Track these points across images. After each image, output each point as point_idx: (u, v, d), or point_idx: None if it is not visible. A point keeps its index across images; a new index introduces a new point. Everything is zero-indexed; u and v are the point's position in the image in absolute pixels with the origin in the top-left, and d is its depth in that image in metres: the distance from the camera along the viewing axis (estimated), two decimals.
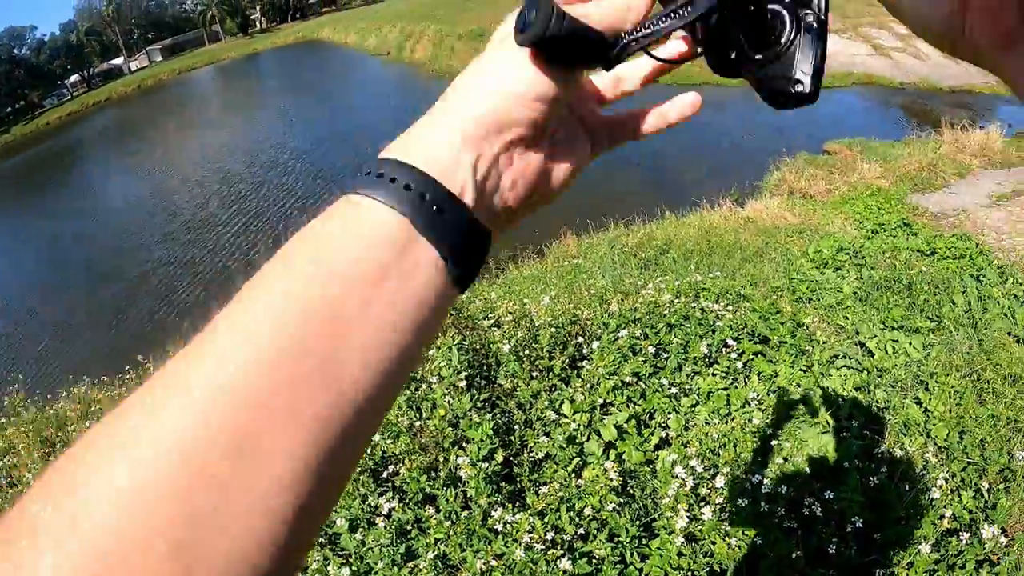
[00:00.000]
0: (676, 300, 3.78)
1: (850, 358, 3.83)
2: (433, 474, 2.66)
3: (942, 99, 19.69)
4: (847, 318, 4.16)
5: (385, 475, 2.74)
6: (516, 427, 2.89)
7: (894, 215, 6.71)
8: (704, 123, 15.06)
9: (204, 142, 24.25)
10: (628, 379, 3.16)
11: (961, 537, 2.62)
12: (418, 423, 2.86)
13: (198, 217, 15.42)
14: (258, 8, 79.35)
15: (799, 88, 0.40)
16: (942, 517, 2.69)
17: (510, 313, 3.70)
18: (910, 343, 4.06)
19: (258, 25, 78.73)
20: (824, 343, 3.84)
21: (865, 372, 3.73)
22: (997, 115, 17.29)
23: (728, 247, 5.69)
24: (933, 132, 11.89)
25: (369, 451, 2.71)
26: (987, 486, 2.97)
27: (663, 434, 3.00)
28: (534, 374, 3.15)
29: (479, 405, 2.90)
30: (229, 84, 44.19)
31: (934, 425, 3.37)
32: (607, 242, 6.78)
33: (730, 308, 3.70)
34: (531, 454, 2.78)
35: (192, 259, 12.93)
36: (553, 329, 3.43)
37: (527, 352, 3.27)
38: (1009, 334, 4.40)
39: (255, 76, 44.33)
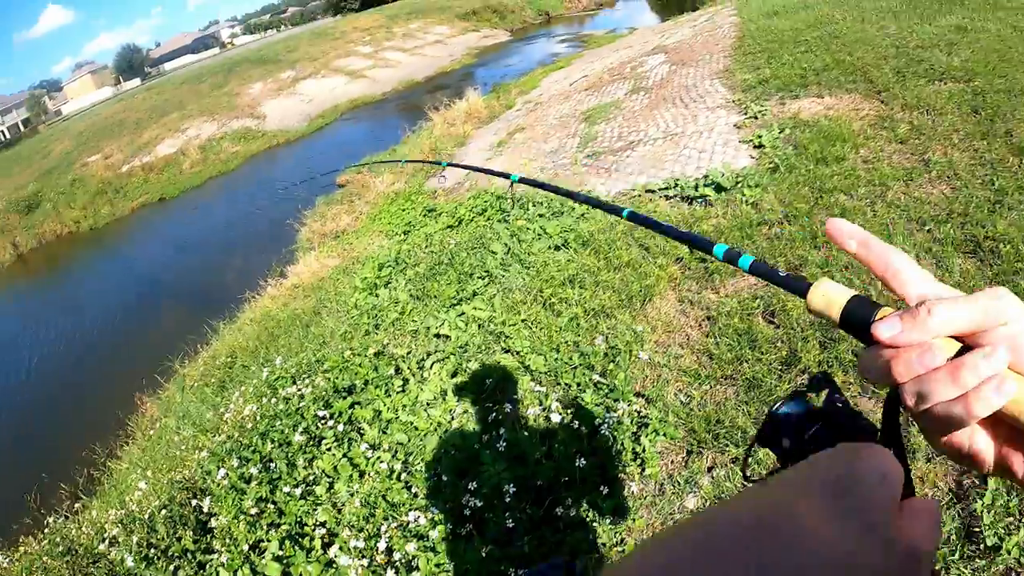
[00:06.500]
0: (259, 405, 3.65)
1: (434, 352, 4.13)
2: None
3: (423, 90, 22.56)
4: (415, 321, 4.48)
5: None
6: None
7: (417, 208, 7.43)
8: (211, 223, 14.57)
9: None
10: (255, 509, 3.00)
11: (608, 419, 3.00)
12: None
13: None
14: None
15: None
16: (585, 422, 3.04)
17: (118, 523, 3.25)
18: (473, 308, 4.55)
19: None
20: (407, 355, 4.09)
21: (452, 356, 4.05)
22: (473, 81, 20.57)
23: (287, 324, 5.62)
24: (425, 121, 13.55)
25: None
26: (600, 372, 3.45)
27: (321, 532, 2.88)
28: (172, 567, 2.87)
29: None
30: None
31: (530, 360, 3.80)
32: (176, 387, 6.19)
33: (308, 382, 3.69)
34: None
35: None
36: (165, 510, 3.14)
37: (152, 551, 2.96)
38: (549, 247, 5.17)
39: None
